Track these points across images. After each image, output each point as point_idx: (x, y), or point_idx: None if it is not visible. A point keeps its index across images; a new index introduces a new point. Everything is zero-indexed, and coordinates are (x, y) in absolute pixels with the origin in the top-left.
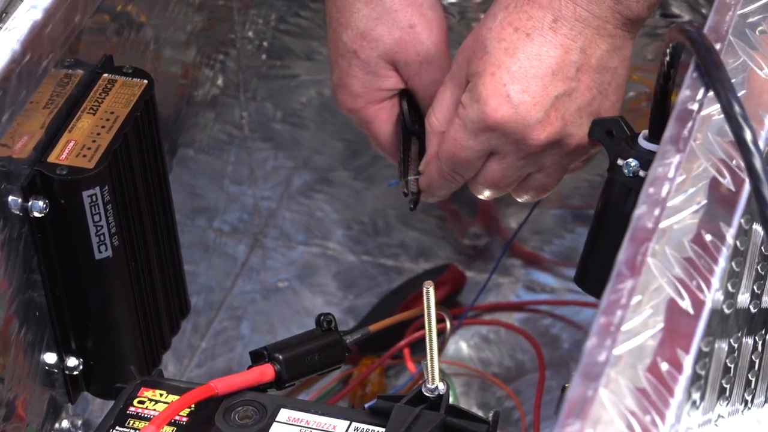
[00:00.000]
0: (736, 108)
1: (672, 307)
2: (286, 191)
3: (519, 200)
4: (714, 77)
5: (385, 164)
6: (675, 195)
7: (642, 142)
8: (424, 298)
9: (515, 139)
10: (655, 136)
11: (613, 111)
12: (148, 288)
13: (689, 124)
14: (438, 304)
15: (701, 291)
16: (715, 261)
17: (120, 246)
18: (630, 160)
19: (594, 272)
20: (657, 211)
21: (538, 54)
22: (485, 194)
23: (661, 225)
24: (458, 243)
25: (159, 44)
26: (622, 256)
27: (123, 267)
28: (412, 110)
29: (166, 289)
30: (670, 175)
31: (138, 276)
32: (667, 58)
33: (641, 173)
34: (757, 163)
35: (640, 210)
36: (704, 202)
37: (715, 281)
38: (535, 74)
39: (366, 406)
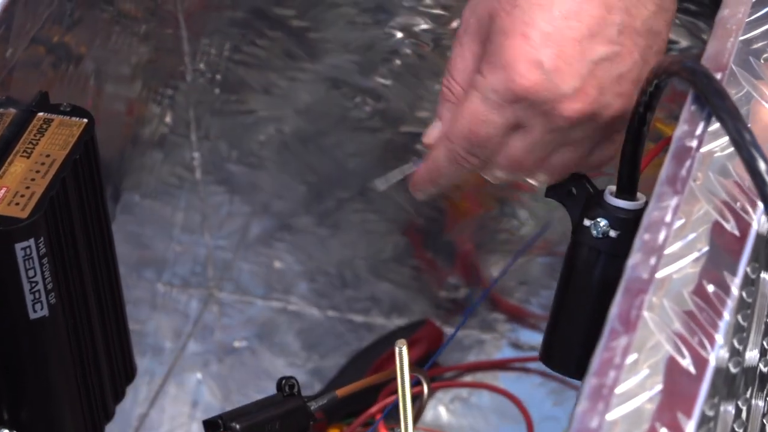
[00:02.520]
0: (747, 136)
1: (672, 367)
2: (242, 240)
3: (533, 182)
4: (718, 106)
5: (353, 209)
6: (673, 241)
7: (609, 198)
8: (397, 358)
9: (544, 110)
10: (626, 191)
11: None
12: (89, 350)
13: (688, 163)
14: (413, 364)
15: (704, 348)
16: (719, 314)
17: (57, 304)
18: (599, 219)
19: (562, 348)
20: (653, 260)
21: (578, 12)
22: (499, 176)
23: (658, 275)
24: (435, 296)
25: (100, 79)
26: (615, 310)
27: (61, 327)
28: None
29: (109, 351)
30: (668, 219)
31: (78, 337)
32: (645, 98)
33: (612, 233)
34: None
35: (634, 259)
36: (706, 248)
37: (720, 337)
38: (572, 36)
39: None
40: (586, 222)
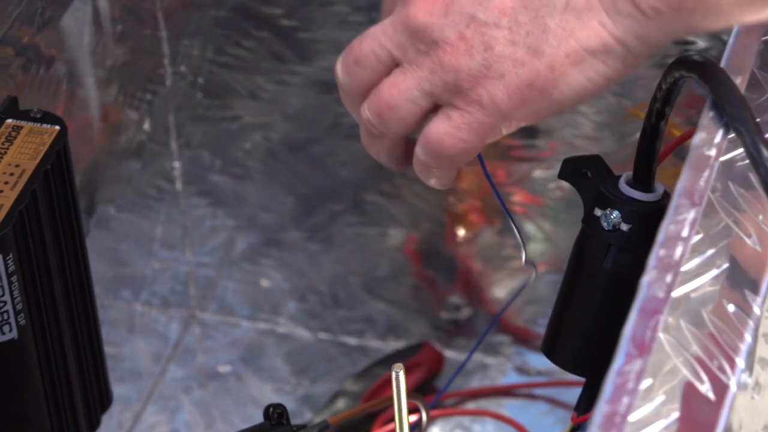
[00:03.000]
0: (765, 152)
1: (689, 392)
2: (227, 256)
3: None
4: (735, 117)
5: (346, 222)
6: (690, 257)
7: (624, 187)
8: (393, 384)
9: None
10: (641, 182)
11: (502, 86)
12: (61, 376)
13: (706, 173)
14: (411, 390)
15: (724, 372)
16: (740, 336)
17: (27, 326)
18: (610, 210)
19: (565, 342)
20: (669, 277)
21: None
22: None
23: (675, 293)
24: (435, 316)
25: (73, 83)
26: (628, 331)
27: (31, 351)
28: None
29: (83, 376)
30: (685, 233)
31: (49, 361)
32: (663, 93)
33: (623, 226)
34: None
35: (649, 276)
36: (726, 265)
37: (741, 361)
38: None
39: None
40: (597, 212)
